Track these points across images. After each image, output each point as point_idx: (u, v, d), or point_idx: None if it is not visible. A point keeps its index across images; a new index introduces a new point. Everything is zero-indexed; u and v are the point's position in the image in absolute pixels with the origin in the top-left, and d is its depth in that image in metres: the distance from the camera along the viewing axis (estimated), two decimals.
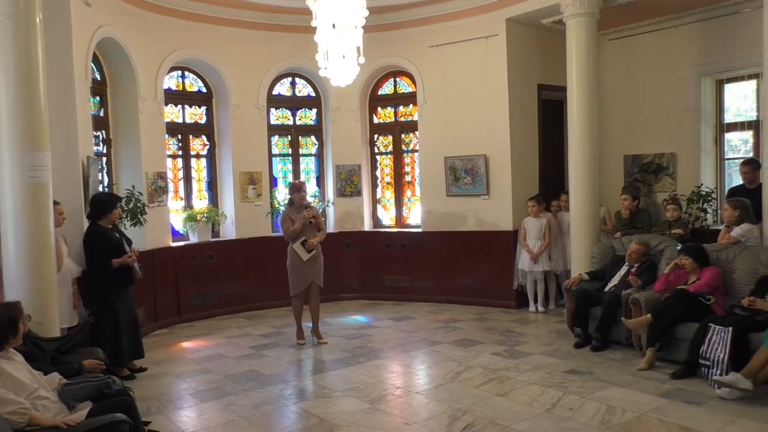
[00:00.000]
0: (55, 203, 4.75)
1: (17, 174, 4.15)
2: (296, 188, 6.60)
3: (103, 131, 6.92)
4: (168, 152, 7.79)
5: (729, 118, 7.41)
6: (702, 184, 7.18)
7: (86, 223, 5.61)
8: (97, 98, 6.78)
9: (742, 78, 7.18)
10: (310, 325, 6.59)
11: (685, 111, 7.40)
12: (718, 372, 4.58)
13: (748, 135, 7.30)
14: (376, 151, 9.11)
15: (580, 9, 6.59)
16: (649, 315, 5.27)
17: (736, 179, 7.18)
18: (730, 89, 7.39)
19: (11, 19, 4.08)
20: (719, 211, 7.13)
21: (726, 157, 7.46)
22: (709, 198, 7.08)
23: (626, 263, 6.14)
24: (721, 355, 4.61)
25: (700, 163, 7.38)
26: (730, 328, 4.64)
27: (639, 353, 5.49)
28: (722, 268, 5.43)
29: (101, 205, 5.56)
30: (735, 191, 6.42)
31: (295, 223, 6.34)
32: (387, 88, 8.99)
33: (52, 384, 3.49)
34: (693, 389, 4.66)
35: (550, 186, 8.19)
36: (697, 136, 7.37)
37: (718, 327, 4.74)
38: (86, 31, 6.03)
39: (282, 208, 6.88)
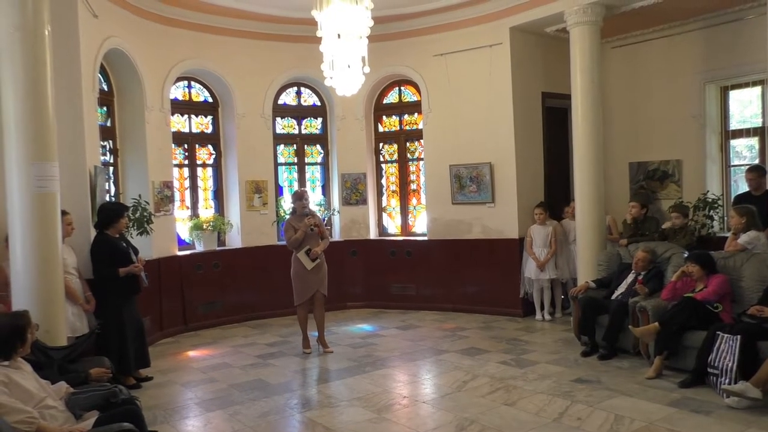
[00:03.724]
0: (65, 213, 4.77)
1: (25, 184, 4.16)
2: (298, 197, 6.63)
3: (110, 141, 6.96)
4: (174, 161, 7.83)
5: (734, 124, 7.40)
6: (708, 191, 7.16)
7: (93, 233, 5.64)
8: (104, 108, 6.82)
9: (746, 84, 7.18)
10: (316, 334, 6.59)
11: (690, 118, 7.40)
12: (727, 381, 4.55)
13: (754, 141, 7.29)
14: (382, 159, 9.14)
15: (584, 17, 6.61)
16: (656, 323, 5.24)
17: (742, 186, 7.16)
18: (734, 96, 7.38)
19: (20, 31, 4.11)
20: (725, 218, 7.11)
21: (732, 163, 7.45)
22: (716, 205, 7.05)
23: (633, 271, 6.12)
24: (730, 364, 4.58)
25: (706, 169, 7.37)
26: (739, 337, 4.61)
27: (647, 362, 5.46)
28: (730, 275, 5.40)
29: (108, 214, 5.58)
30: (741, 198, 6.40)
31: (297, 231, 6.36)
32: (392, 97, 9.02)
33: (60, 393, 3.49)
34: (701, 398, 4.62)
35: (555, 193, 8.18)
36: (703, 143, 7.37)
37: (726, 335, 4.71)
38: (94, 42, 6.08)
39: (288, 217, 6.92)
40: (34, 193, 4.19)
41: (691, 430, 4.04)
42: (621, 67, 7.98)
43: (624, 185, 7.86)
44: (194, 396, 5.23)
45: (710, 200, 7.05)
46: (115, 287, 5.46)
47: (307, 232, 6.36)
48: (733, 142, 7.44)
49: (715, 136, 7.41)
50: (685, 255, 5.80)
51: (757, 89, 7.12)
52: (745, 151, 7.49)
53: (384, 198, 9.15)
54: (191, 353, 6.71)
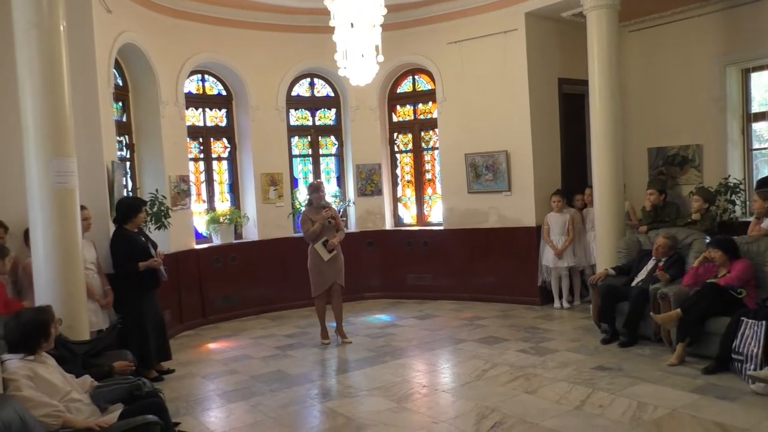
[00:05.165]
0: (82, 208, 4.80)
1: (45, 180, 4.20)
2: (314, 188, 6.62)
3: (126, 136, 6.99)
4: (190, 155, 7.86)
5: (755, 107, 7.25)
6: (729, 176, 7.04)
7: (112, 228, 5.68)
8: (120, 104, 6.85)
9: None
10: (334, 324, 6.60)
11: (711, 101, 7.26)
12: (752, 366, 4.49)
13: None
14: (396, 149, 9.10)
15: (600, 1, 6.46)
16: (678, 309, 5.18)
17: (763, 170, 7.04)
18: (756, 78, 7.22)
19: (36, 28, 4.13)
20: (748, 202, 6.99)
21: (753, 147, 7.31)
22: (737, 189, 6.93)
23: (653, 257, 6.04)
24: (755, 350, 4.51)
25: (727, 154, 7.23)
26: (764, 322, 4.54)
27: (668, 348, 5.40)
28: (753, 260, 5.32)
29: (127, 209, 5.62)
30: (764, 182, 6.28)
31: (314, 223, 6.35)
32: (406, 86, 8.96)
33: (84, 386, 3.53)
34: (726, 384, 4.56)
35: (573, 181, 8.10)
36: (723, 127, 7.23)
37: (750, 321, 4.65)
38: (108, 38, 6.10)
39: (303, 209, 6.92)
40: (54, 189, 4.22)
41: (715, 417, 3.99)
42: (639, 51, 7.84)
43: (643, 171, 7.75)
44: (216, 388, 5.27)
45: (732, 185, 6.93)
46: (135, 282, 5.50)
47: (324, 224, 6.36)
48: (755, 126, 7.29)
49: (736, 120, 7.27)
50: (707, 240, 5.72)
51: None
52: (766, 134, 7.35)
53: (399, 188, 9.12)
54: (211, 345, 6.76)
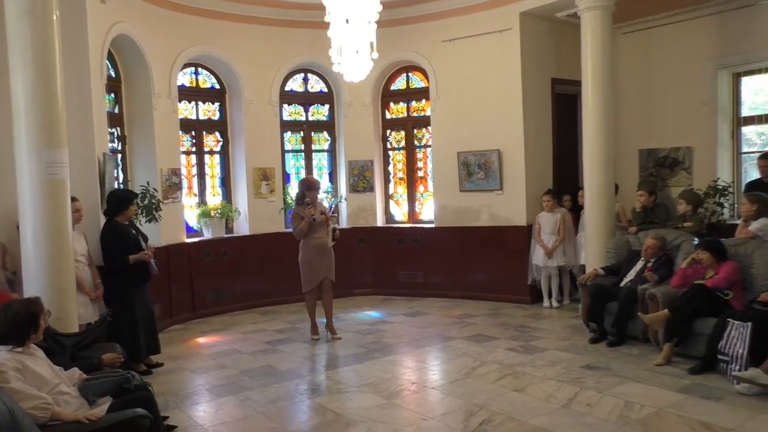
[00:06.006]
0: (73, 199, 4.77)
1: (35, 171, 4.16)
2: (314, 186, 6.56)
3: (118, 128, 6.95)
4: (182, 149, 7.82)
5: (746, 111, 7.32)
6: (719, 178, 7.10)
7: (103, 220, 5.65)
8: (112, 95, 6.80)
9: (759, 71, 7.10)
10: (324, 320, 6.60)
11: (702, 104, 7.32)
12: (738, 367, 4.55)
13: (766, 128, 7.21)
14: (389, 146, 9.10)
15: (595, 2, 6.50)
16: (666, 310, 5.23)
17: (752, 173, 7.11)
18: (747, 82, 7.29)
19: (29, 16, 4.08)
20: (736, 205, 7.07)
21: (742, 150, 7.38)
22: (726, 192, 7.00)
23: (642, 258, 6.09)
24: (741, 351, 4.57)
25: (717, 157, 7.30)
26: (750, 323, 4.60)
27: (656, 348, 5.46)
28: (740, 262, 5.37)
29: (117, 201, 5.59)
30: (752, 185, 6.36)
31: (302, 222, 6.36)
32: (399, 84, 8.96)
33: (73, 379, 3.51)
34: (712, 384, 4.62)
35: (564, 181, 8.14)
36: (714, 130, 7.29)
37: (737, 322, 4.70)
38: (101, 28, 6.05)
39: (293, 204, 6.91)
40: (45, 180, 4.19)
41: (701, 416, 4.04)
42: (632, 53, 7.89)
43: (634, 173, 7.80)
44: (205, 382, 5.26)
45: (720, 187, 6.99)
46: (126, 275, 5.47)
47: (310, 222, 6.33)
48: (745, 129, 7.36)
49: (727, 123, 7.33)
50: (696, 242, 5.77)
51: None
52: (755, 138, 7.43)
53: (391, 185, 9.13)
54: (201, 340, 6.75)
